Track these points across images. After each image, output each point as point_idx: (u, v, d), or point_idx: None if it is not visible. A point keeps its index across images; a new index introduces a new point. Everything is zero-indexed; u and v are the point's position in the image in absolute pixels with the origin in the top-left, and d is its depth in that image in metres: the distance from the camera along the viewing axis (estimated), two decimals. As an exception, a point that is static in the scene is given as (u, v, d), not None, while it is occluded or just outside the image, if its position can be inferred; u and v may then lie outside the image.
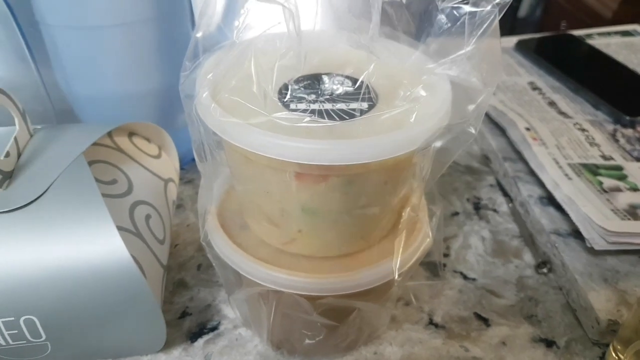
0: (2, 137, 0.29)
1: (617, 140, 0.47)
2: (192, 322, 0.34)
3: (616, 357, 0.30)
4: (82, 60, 0.39)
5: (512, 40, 0.67)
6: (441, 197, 0.31)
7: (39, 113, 0.41)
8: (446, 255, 0.40)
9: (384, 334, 0.34)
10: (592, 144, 0.46)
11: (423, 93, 0.24)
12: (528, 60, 0.63)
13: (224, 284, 0.33)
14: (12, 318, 0.27)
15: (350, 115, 0.24)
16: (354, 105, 0.25)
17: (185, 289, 0.36)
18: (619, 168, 0.43)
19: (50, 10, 0.37)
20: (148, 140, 0.38)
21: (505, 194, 0.46)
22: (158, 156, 0.38)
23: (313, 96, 0.25)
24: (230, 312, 0.35)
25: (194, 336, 0.33)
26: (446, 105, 0.24)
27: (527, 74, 0.60)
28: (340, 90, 0.26)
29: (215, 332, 0.34)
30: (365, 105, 0.25)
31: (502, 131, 0.50)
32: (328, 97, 0.25)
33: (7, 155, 0.28)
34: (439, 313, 0.35)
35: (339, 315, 0.29)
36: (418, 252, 0.28)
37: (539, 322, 0.35)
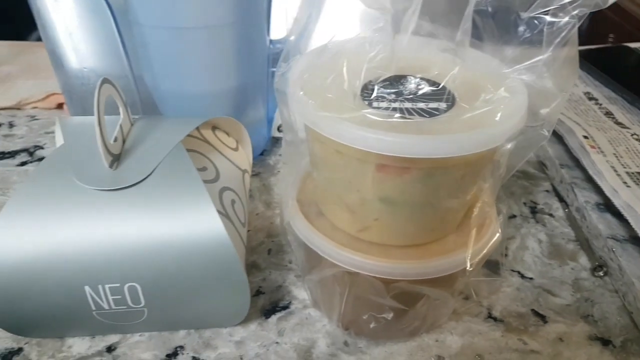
0: (109, 124, 0.33)
1: (674, 152, 0.47)
2: (265, 300, 0.37)
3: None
4: (169, 59, 0.42)
5: (569, 51, 0.68)
6: (505, 197, 0.33)
7: (128, 105, 0.45)
8: (504, 254, 0.41)
9: (444, 324, 0.36)
10: (650, 154, 0.47)
11: (506, 95, 0.26)
12: (584, 71, 0.64)
13: (299, 266, 0.35)
14: (118, 284, 0.30)
15: (430, 113, 0.26)
16: (433, 104, 0.27)
17: (258, 271, 0.39)
18: (676, 178, 0.43)
19: (144, 11, 0.40)
20: (227, 134, 0.41)
21: (561, 199, 0.48)
22: (236, 149, 0.41)
23: (393, 95, 0.28)
24: (299, 293, 0.37)
25: (267, 313, 0.36)
26: (524, 108, 0.26)
27: (583, 85, 0.61)
28: (421, 90, 0.28)
29: (287, 310, 0.36)
30: (444, 105, 0.27)
31: (559, 139, 0.51)
32: (409, 96, 0.27)
33: (116, 140, 0.32)
34: (498, 308, 0.37)
35: (409, 301, 0.31)
36: (488, 246, 0.30)
37: (595, 322, 0.36)
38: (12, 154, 0.53)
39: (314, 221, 0.32)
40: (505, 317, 0.36)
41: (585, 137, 0.49)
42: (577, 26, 0.25)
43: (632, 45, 0.69)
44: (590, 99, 0.58)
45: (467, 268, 0.29)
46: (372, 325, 0.33)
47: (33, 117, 0.59)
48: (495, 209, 0.32)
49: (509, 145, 0.27)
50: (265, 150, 0.53)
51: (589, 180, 0.46)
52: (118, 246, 0.29)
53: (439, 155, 0.24)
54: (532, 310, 0.37)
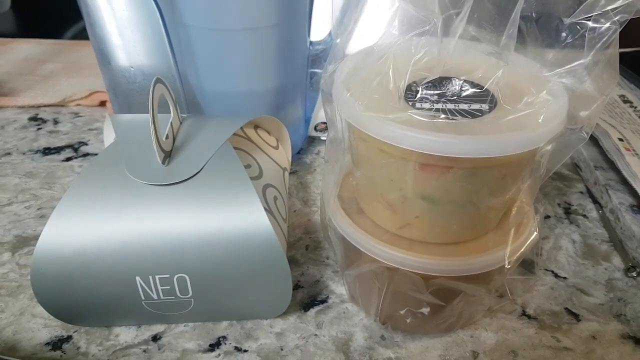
0: (161, 122, 0.34)
1: None
2: (304, 294, 0.38)
3: None
4: (213, 59, 0.44)
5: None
6: (542, 197, 0.34)
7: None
8: (539, 254, 0.42)
9: (479, 321, 0.36)
10: (686, 158, 0.47)
11: (548, 98, 0.27)
12: (619, 74, 0.64)
13: (338, 261, 0.37)
14: (168, 275, 0.31)
15: (472, 115, 0.27)
16: (475, 106, 0.28)
17: (296, 265, 0.41)
18: None
19: (190, 12, 0.42)
20: (269, 132, 0.43)
21: (595, 201, 0.48)
22: (277, 147, 0.42)
23: (436, 97, 0.28)
24: (337, 288, 0.39)
25: (306, 306, 0.37)
26: (565, 111, 0.27)
27: (618, 87, 0.61)
28: (464, 92, 0.29)
29: (325, 304, 0.38)
30: (486, 107, 0.28)
31: (593, 141, 0.52)
32: (452, 98, 0.28)
33: (167, 137, 0.33)
34: (532, 306, 0.38)
35: (446, 297, 0.32)
36: (525, 245, 0.31)
37: (628, 321, 0.37)
38: (58, 150, 0.55)
39: (355, 218, 0.33)
40: (539, 315, 0.37)
41: (620, 139, 0.49)
42: (618, 31, 0.26)
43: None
44: (625, 101, 0.58)
45: (506, 266, 0.30)
46: (409, 320, 0.34)
47: (77, 114, 0.62)
48: (532, 208, 0.32)
49: (549, 147, 0.28)
50: (302, 149, 0.54)
51: (624, 182, 0.46)
52: (169, 238, 0.31)
53: (481, 155, 0.25)
54: (566, 308, 0.38)
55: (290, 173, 0.50)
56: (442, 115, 0.26)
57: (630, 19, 0.26)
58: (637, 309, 0.38)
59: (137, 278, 0.31)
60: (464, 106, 0.28)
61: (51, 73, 0.70)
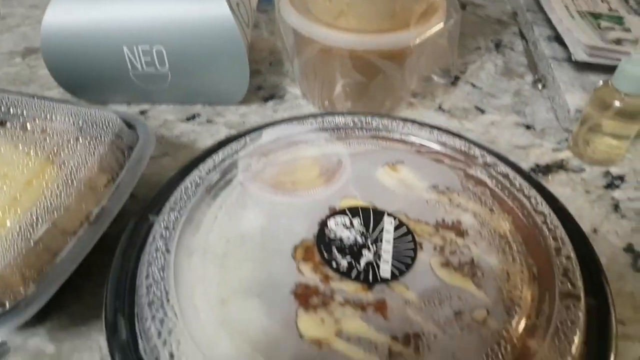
0: None
1: (627, 1, 0.54)
2: (265, 92, 0.47)
3: (577, 133, 0.40)
4: None
5: None
6: (460, 8, 0.41)
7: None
8: (463, 72, 0.50)
9: (403, 110, 0.45)
10: (604, 0, 0.54)
11: None
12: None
13: (288, 50, 0.44)
14: (148, 46, 0.40)
15: None
16: None
17: (260, 75, 0.49)
18: (619, 18, 0.51)
19: None
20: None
21: (524, 37, 0.56)
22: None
23: None
24: (293, 90, 0.47)
25: (266, 99, 0.46)
26: None
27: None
28: None
29: (281, 99, 0.46)
30: None
31: (529, -10, 0.59)
32: None
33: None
34: (447, 104, 0.46)
35: (368, 73, 0.40)
36: (430, 30, 0.39)
37: (525, 116, 0.45)
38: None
39: (301, 12, 0.41)
40: (452, 110, 0.46)
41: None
42: None
43: None
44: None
45: (411, 45, 0.38)
46: (345, 101, 0.43)
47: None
48: (444, 10, 0.40)
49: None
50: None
51: (547, 20, 0.53)
52: (148, 15, 0.39)
53: None
54: (475, 106, 0.46)
55: (261, 12, 0.58)
56: None
57: None
58: (535, 108, 0.46)
59: (124, 47, 0.40)
60: None
61: None
